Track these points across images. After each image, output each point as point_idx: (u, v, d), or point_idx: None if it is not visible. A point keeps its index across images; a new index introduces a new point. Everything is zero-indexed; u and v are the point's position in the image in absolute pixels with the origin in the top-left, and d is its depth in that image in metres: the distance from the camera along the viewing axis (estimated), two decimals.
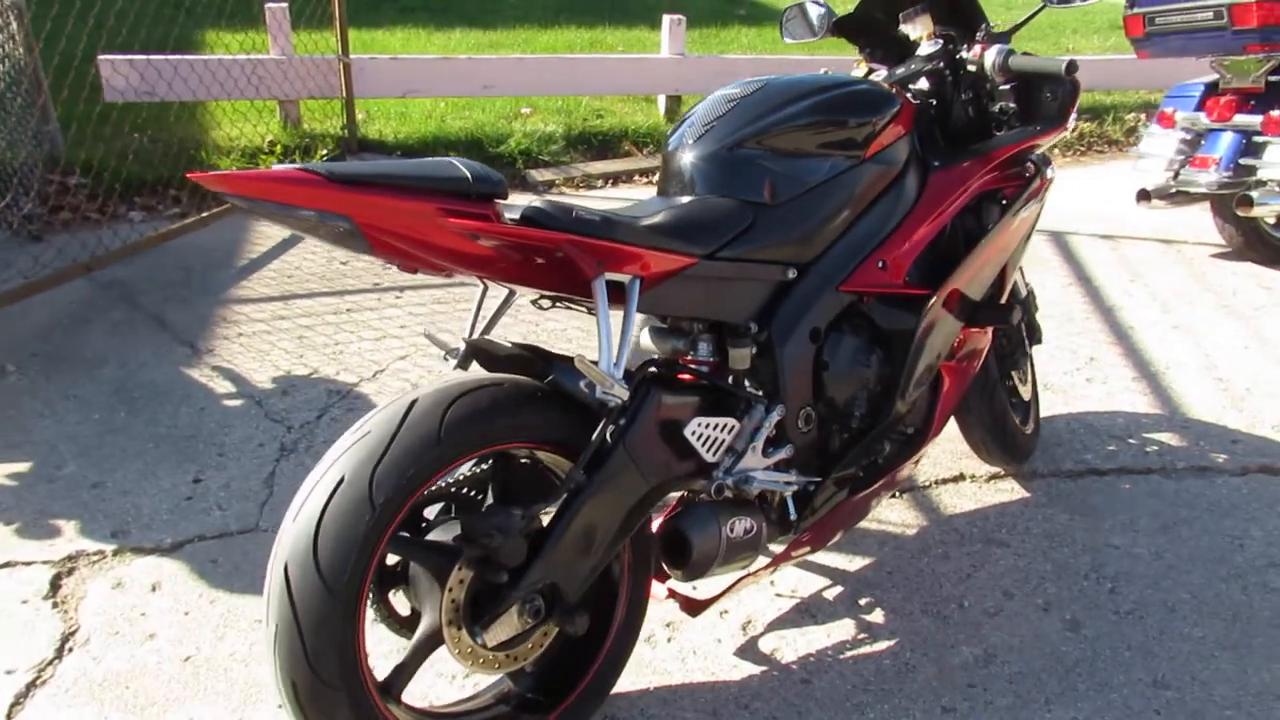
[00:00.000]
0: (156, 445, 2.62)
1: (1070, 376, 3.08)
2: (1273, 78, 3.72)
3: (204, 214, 4.15)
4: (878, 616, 2.05)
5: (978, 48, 2.05)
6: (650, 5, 9.31)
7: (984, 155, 1.99)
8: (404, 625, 1.62)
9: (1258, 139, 3.72)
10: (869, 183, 1.83)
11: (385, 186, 1.34)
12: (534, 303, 1.75)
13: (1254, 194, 3.64)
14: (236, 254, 4.01)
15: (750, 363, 1.74)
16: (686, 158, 1.79)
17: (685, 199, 1.74)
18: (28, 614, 2.01)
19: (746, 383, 1.78)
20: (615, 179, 5.02)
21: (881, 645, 1.97)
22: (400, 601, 1.61)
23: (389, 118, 5.48)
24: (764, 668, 1.90)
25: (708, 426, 1.65)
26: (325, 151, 4.85)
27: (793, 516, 1.79)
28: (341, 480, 1.37)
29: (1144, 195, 4.01)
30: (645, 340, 1.86)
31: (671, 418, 1.62)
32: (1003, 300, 2.11)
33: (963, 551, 2.25)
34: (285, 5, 4.82)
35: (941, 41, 2.08)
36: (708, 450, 1.66)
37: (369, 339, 3.24)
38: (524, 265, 1.49)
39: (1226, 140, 3.81)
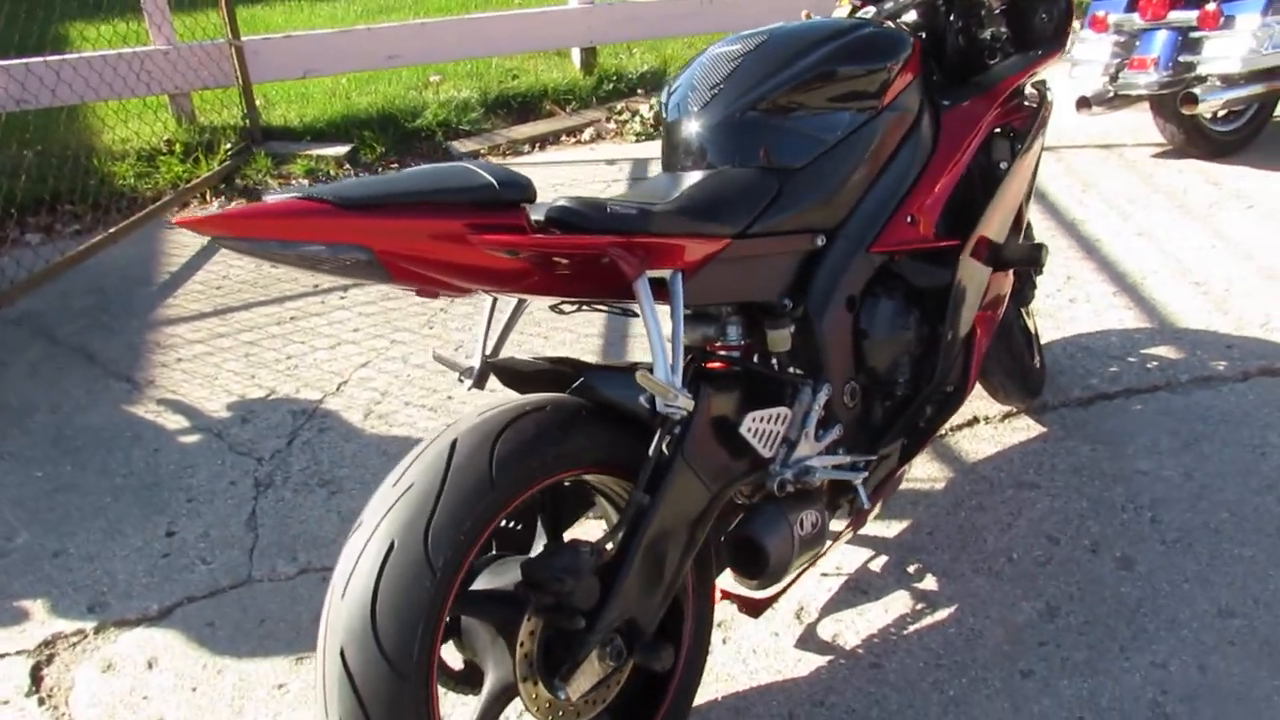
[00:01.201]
0: (115, 498, 2.37)
1: (1053, 299, 3.03)
2: None
3: (111, 229, 3.81)
4: (930, 583, 1.97)
5: None
6: None
7: (992, 88, 1.88)
8: (459, 681, 1.47)
9: (1194, 34, 3.70)
10: (889, 133, 1.70)
11: (403, 207, 1.15)
12: (554, 308, 1.58)
13: (1197, 90, 3.63)
14: (154, 269, 3.69)
15: (791, 343, 1.61)
16: (695, 127, 1.62)
17: (700, 174, 1.58)
18: (12, 717, 1.79)
19: (789, 365, 1.65)
20: (542, 142, 4.79)
21: (942, 614, 1.89)
22: (449, 652, 1.45)
23: (290, 101, 5.12)
24: (829, 657, 1.81)
25: (762, 420, 1.52)
26: (229, 145, 4.50)
27: (862, 499, 1.68)
28: (392, 545, 1.20)
29: (1083, 103, 3.98)
30: (667, 330, 1.71)
31: (726, 417, 1.49)
32: (1021, 239, 2.02)
33: (997, 500, 2.18)
34: None
35: None
36: (764, 445, 1.53)
37: (323, 348, 3.01)
38: (558, 274, 1.32)
39: (1162, 39, 3.78)
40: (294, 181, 4.41)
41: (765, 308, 1.61)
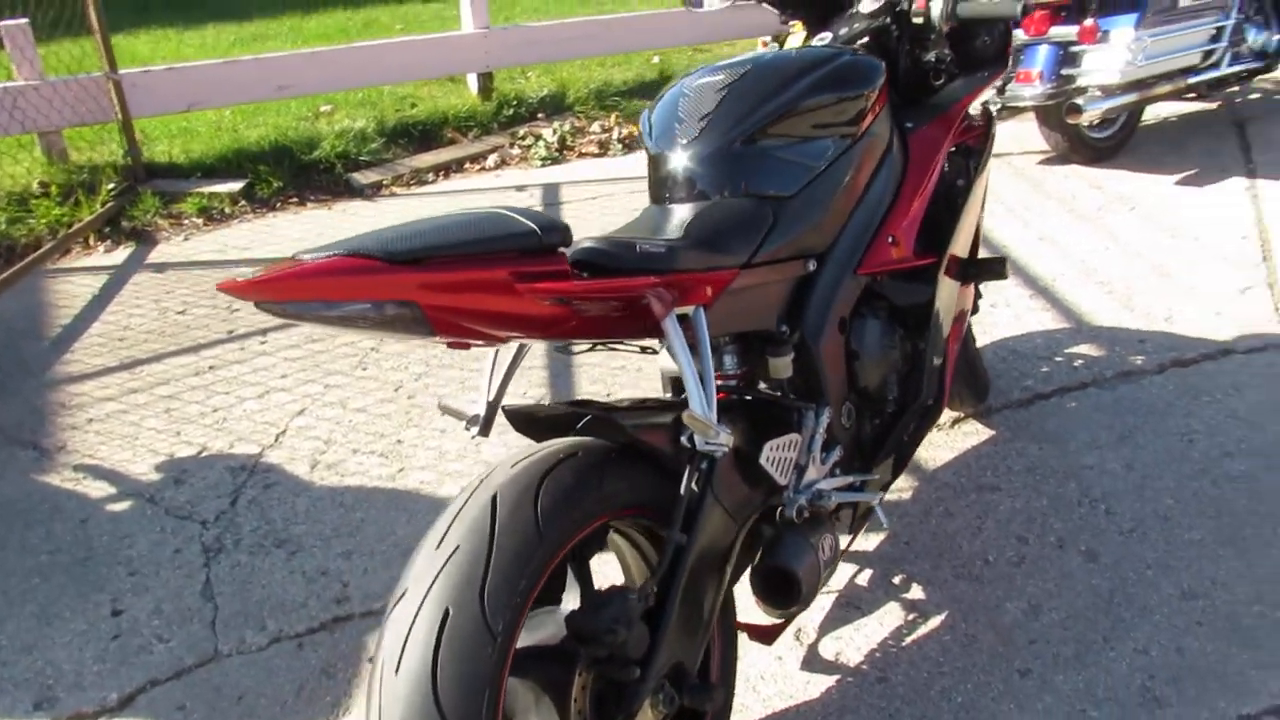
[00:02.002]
0: (44, 578, 2.19)
1: None
2: None
3: None
4: (917, 592, 2.01)
5: None
6: None
7: (949, 110, 1.95)
8: None
9: (1074, 49, 3.93)
10: (868, 157, 1.74)
11: (448, 259, 1.11)
12: (560, 349, 1.55)
13: (1080, 101, 3.86)
14: (44, 322, 3.43)
15: (792, 369, 1.62)
16: (688, 158, 1.62)
17: (696, 205, 1.58)
18: None
19: (789, 391, 1.66)
20: (446, 170, 4.70)
21: (935, 621, 1.93)
22: None
23: (172, 136, 4.86)
24: (836, 676, 1.83)
25: (778, 448, 1.52)
26: (111, 185, 4.24)
27: (880, 518, 1.71)
28: (447, 613, 1.14)
29: None
30: (665, 362, 1.70)
31: (747, 449, 1.49)
32: (978, 253, 2.09)
33: (962, 505, 2.26)
34: (26, 21, 4.13)
35: None
36: (780, 473, 1.54)
37: (251, 398, 2.86)
38: (589, 317, 1.29)
39: (1044, 53, 4.00)
40: (186, 221, 4.19)
41: (765, 335, 1.62)
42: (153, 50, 6.27)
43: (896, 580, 2.05)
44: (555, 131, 4.95)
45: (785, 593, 1.51)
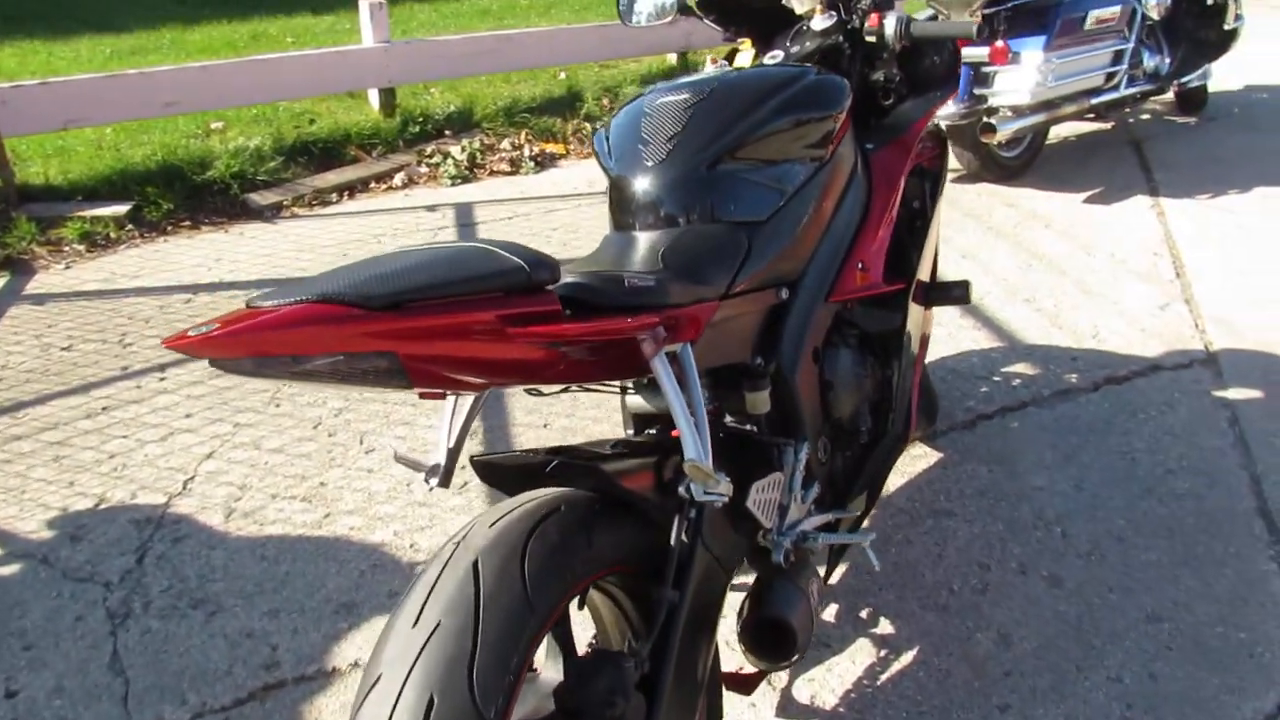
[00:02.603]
0: None
1: None
2: (988, 11, 4.01)
3: None
4: (885, 626, 1.95)
5: (873, 16, 1.93)
6: None
7: (907, 130, 1.90)
8: None
9: (986, 70, 4.00)
10: (836, 180, 1.67)
11: (429, 303, 0.97)
12: (530, 390, 1.42)
13: (994, 120, 3.93)
14: None
15: (770, 403, 1.53)
16: (656, 182, 1.51)
17: (665, 232, 1.48)
18: None
19: (766, 427, 1.57)
20: (350, 190, 4.48)
21: (907, 657, 1.87)
22: None
23: (48, 156, 4.50)
24: None
25: (762, 490, 1.43)
26: None
27: (872, 560, 1.63)
28: (432, 701, 1.00)
29: None
30: (635, 401, 1.58)
31: (733, 492, 1.38)
32: (936, 276, 2.05)
33: (920, 532, 2.21)
34: None
35: (835, 14, 1.94)
36: (765, 515, 1.44)
37: (153, 441, 2.62)
38: (577, 361, 1.17)
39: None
40: (67, 248, 3.86)
41: (740, 369, 1.52)
42: (20, 64, 5.82)
43: (864, 614, 1.98)
44: (464, 149, 4.79)
45: (780, 645, 1.41)
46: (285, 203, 4.28)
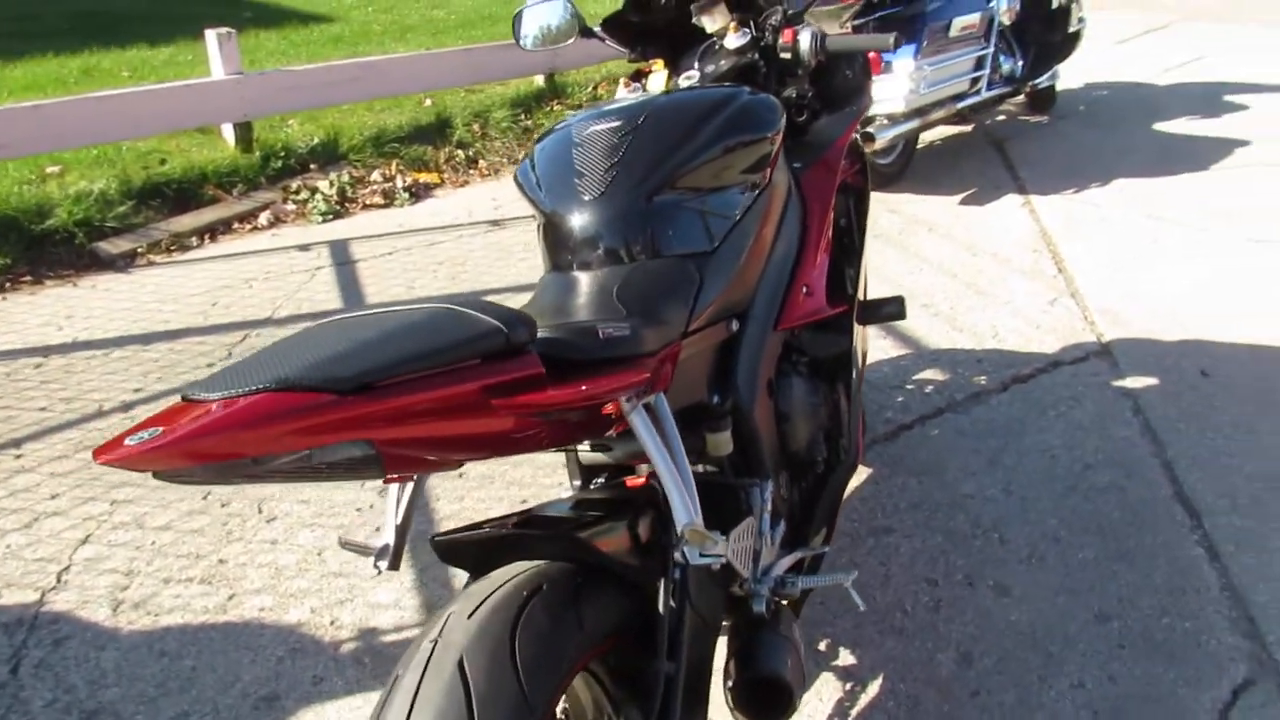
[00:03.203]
0: None
1: None
2: (856, 22, 4.08)
3: None
4: (847, 656, 1.89)
5: (787, 32, 1.87)
6: (131, 21, 7.99)
7: (831, 148, 1.85)
8: None
9: None
10: (775, 203, 1.60)
11: (402, 381, 0.83)
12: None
13: (871, 129, 3.99)
14: None
15: (729, 444, 1.44)
16: (595, 218, 1.40)
17: (614, 270, 1.37)
18: None
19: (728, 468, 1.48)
20: (212, 232, 4.17)
21: (874, 687, 1.81)
22: None
23: None
24: None
25: (739, 538, 1.34)
26: None
27: (857, 600, 1.55)
28: None
29: None
30: (587, 454, 1.46)
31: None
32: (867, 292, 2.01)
33: (863, 552, 2.16)
34: None
35: (748, 31, 1.87)
36: (744, 565, 1.35)
37: (15, 530, 2.32)
38: (556, 424, 1.05)
39: None
40: None
41: (700, 409, 1.43)
42: None
43: (823, 646, 1.91)
44: (332, 183, 4.55)
45: (779, 703, 1.32)
46: (140, 250, 3.94)
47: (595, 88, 5.91)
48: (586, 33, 2.08)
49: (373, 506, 2.37)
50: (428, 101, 5.56)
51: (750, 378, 1.49)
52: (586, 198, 1.42)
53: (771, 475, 1.50)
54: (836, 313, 1.68)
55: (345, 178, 4.61)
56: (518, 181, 1.57)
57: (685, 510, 1.08)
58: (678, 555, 1.12)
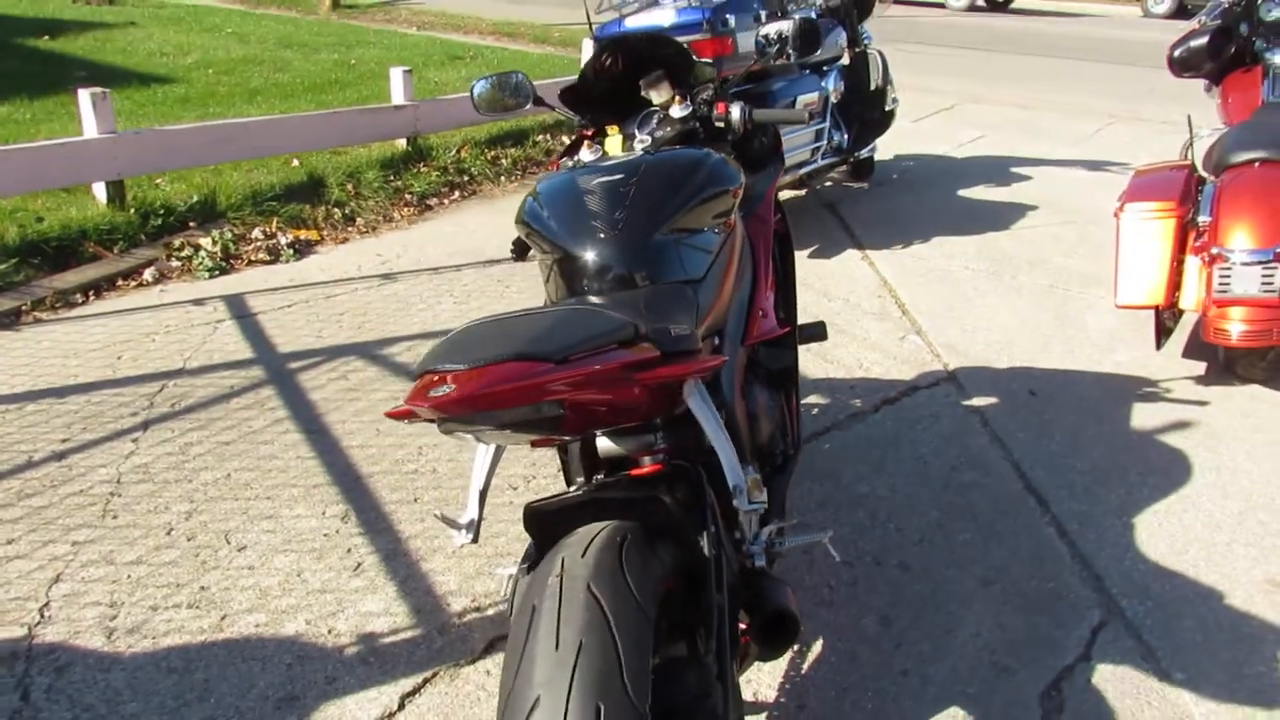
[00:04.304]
0: None
1: None
2: None
3: None
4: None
5: (720, 105, 2.27)
6: None
7: (764, 199, 2.25)
8: None
9: None
10: (736, 242, 1.97)
11: (583, 358, 1.13)
12: (535, 445, 1.56)
13: None
14: None
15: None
16: (610, 251, 1.72)
17: (630, 293, 1.69)
18: None
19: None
20: (96, 289, 4.14)
21: (819, 647, 2.17)
22: None
23: None
24: (764, 714, 1.98)
25: (743, 503, 1.67)
26: None
27: (834, 554, 1.89)
28: (599, 710, 1.13)
29: None
30: (604, 443, 1.76)
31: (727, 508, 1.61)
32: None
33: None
34: None
35: (691, 103, 2.25)
36: (749, 526, 1.68)
37: None
38: (644, 401, 1.35)
39: None
40: None
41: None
42: None
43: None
44: (215, 240, 4.60)
45: (785, 632, 1.64)
46: (24, 307, 3.88)
47: (458, 151, 6.19)
48: (538, 101, 2.40)
49: (334, 532, 2.53)
50: (295, 162, 5.66)
51: (730, 382, 1.84)
52: (603, 235, 1.74)
53: (750, 463, 1.84)
54: (784, 332, 2.07)
55: (228, 235, 4.67)
56: (525, 222, 1.86)
57: (735, 471, 1.41)
58: (737, 503, 1.44)
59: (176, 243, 4.56)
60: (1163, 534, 2.59)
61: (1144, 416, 3.22)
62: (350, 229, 5.15)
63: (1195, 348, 3.64)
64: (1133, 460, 2.95)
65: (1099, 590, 2.37)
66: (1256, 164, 3.35)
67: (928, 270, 4.64)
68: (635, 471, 1.69)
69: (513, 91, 2.37)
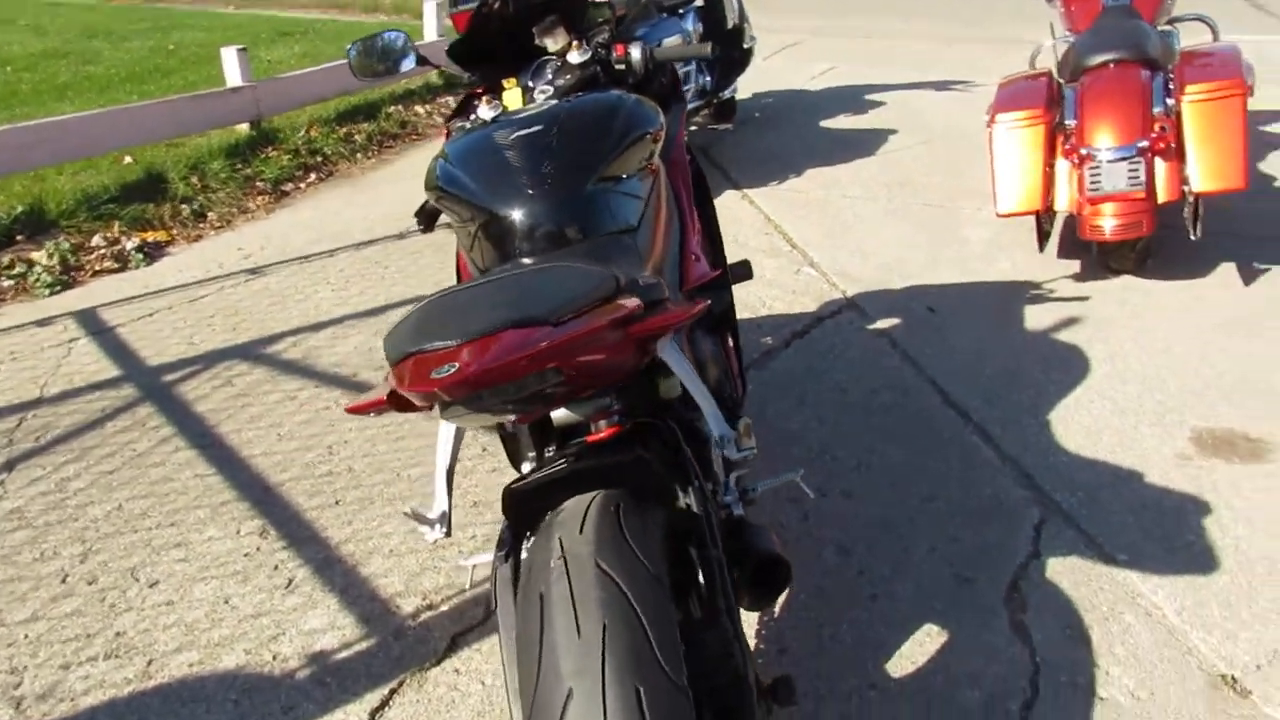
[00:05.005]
0: None
1: None
2: None
3: None
4: None
5: (619, 46, 2.15)
6: None
7: (675, 140, 2.16)
8: None
9: None
10: (663, 186, 1.88)
11: (572, 319, 1.03)
12: (519, 421, 1.45)
13: None
14: None
15: (679, 388, 1.70)
16: (544, 208, 1.60)
17: (566, 250, 1.59)
18: None
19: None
20: None
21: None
22: None
23: None
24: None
25: (716, 458, 1.61)
26: None
27: (808, 492, 1.86)
28: (639, 692, 1.06)
29: None
30: (559, 412, 1.66)
31: (703, 463, 1.54)
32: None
33: None
34: None
35: (590, 48, 2.13)
36: (721, 476, 1.62)
37: None
38: (625, 360, 1.26)
39: None
40: None
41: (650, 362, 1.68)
42: None
43: None
44: (50, 254, 4.19)
45: (777, 578, 1.59)
46: None
47: (307, 130, 5.85)
48: (422, 61, 2.24)
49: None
50: (128, 159, 5.22)
51: (680, 333, 1.76)
52: (531, 192, 1.62)
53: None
54: (718, 275, 2.00)
55: (64, 245, 4.26)
56: (439, 187, 1.73)
57: (718, 421, 1.34)
58: (726, 453, 1.37)
59: (4, 260, 4.13)
60: (1076, 426, 2.68)
61: (1036, 318, 3.33)
62: (202, 225, 4.79)
63: (1067, 247, 3.79)
64: (1035, 361, 3.04)
65: (1032, 489, 2.43)
66: (1111, 65, 3.49)
67: (807, 202, 4.67)
68: (593, 437, 1.60)
69: (388, 54, 2.20)
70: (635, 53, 2.14)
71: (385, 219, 4.73)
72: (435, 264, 4.10)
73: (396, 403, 1.10)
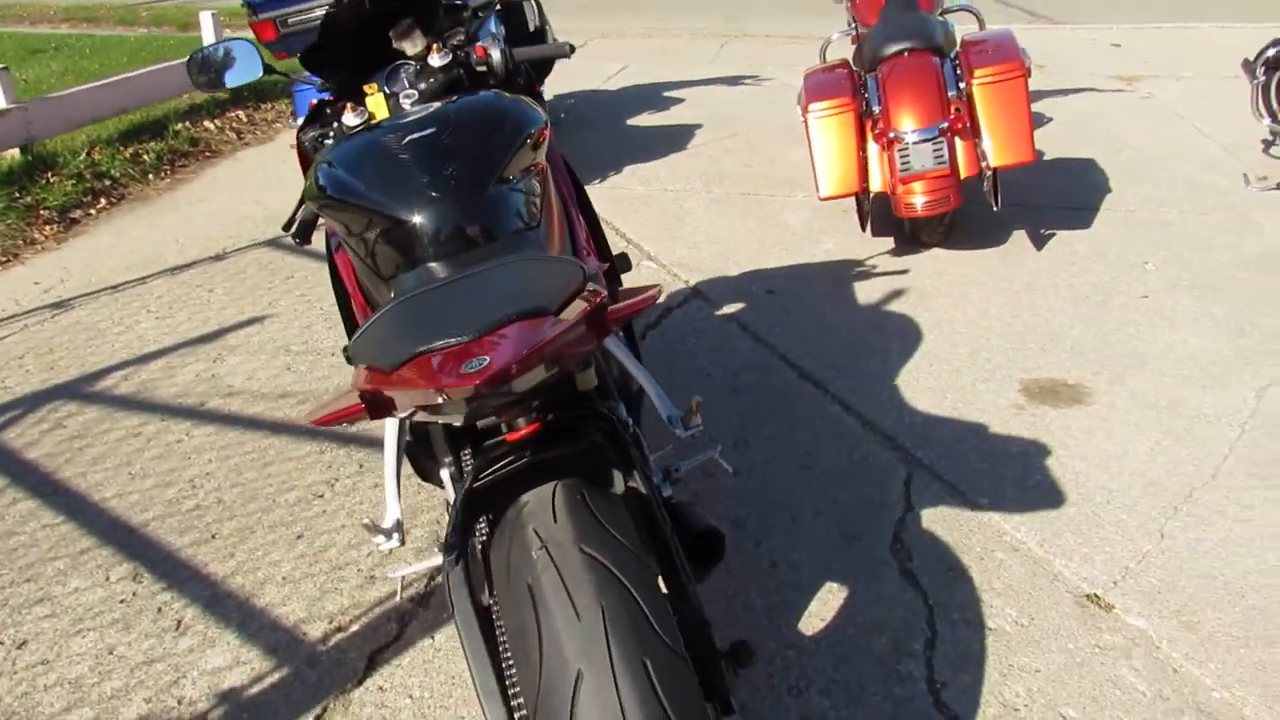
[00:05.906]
0: None
1: None
2: None
3: None
4: None
5: (478, 48, 2.15)
6: None
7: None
8: None
9: None
10: (551, 183, 1.91)
11: (560, 308, 1.05)
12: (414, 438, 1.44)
13: None
14: None
15: (594, 379, 1.74)
16: (451, 209, 1.60)
17: (475, 251, 1.59)
18: None
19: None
20: None
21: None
22: None
23: None
24: None
25: (682, 430, 1.67)
26: None
27: (726, 467, 1.93)
28: (647, 666, 1.11)
29: None
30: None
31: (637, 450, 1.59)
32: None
33: None
34: None
35: (449, 50, 2.11)
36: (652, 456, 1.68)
37: None
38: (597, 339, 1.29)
39: None
40: None
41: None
42: None
43: None
44: None
45: (712, 548, 1.66)
46: None
47: (89, 153, 5.40)
48: (269, 70, 2.16)
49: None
50: None
51: None
52: (435, 195, 1.61)
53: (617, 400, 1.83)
54: (607, 267, 2.05)
55: None
56: (327, 196, 1.68)
57: (664, 401, 1.39)
58: (681, 434, 1.43)
59: None
60: (922, 388, 2.92)
61: (867, 292, 3.59)
62: None
63: (879, 225, 4.09)
64: (873, 332, 3.28)
65: (895, 449, 2.64)
66: (905, 54, 3.79)
67: (633, 199, 4.79)
68: (512, 435, 1.62)
69: (229, 63, 2.10)
70: (495, 54, 2.15)
71: (197, 240, 4.46)
72: (264, 283, 3.92)
73: (371, 408, 1.08)
